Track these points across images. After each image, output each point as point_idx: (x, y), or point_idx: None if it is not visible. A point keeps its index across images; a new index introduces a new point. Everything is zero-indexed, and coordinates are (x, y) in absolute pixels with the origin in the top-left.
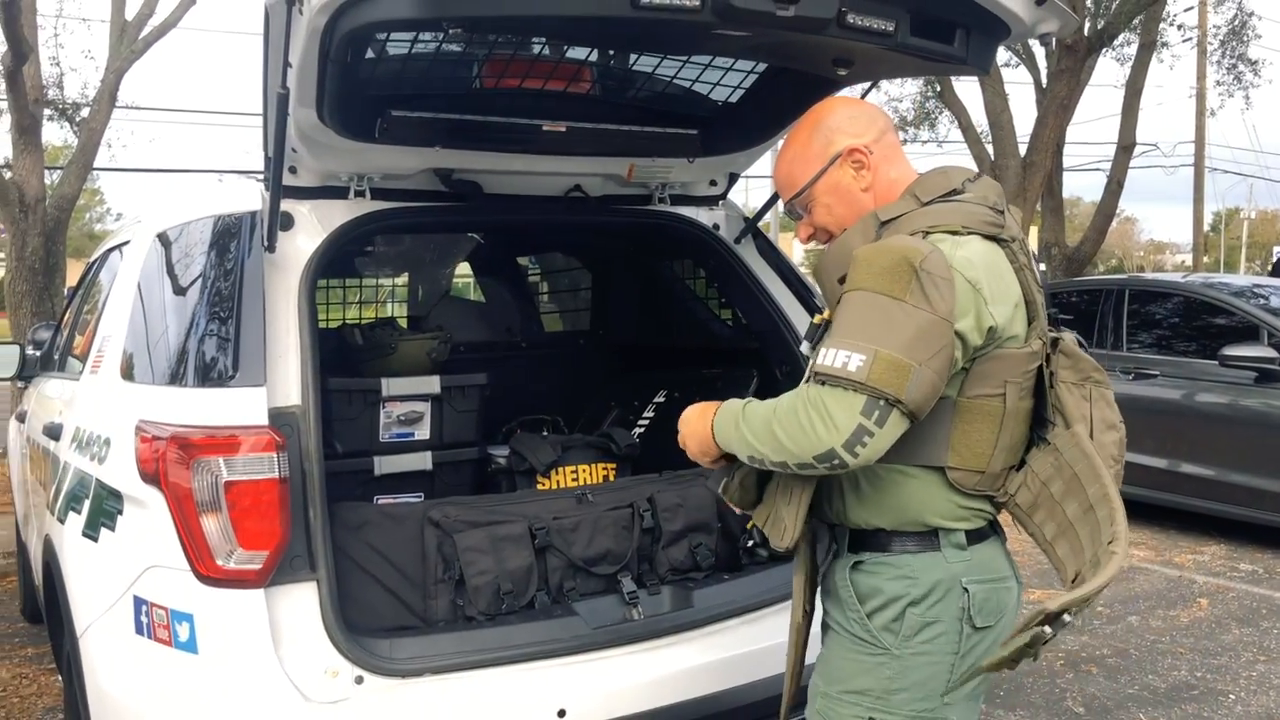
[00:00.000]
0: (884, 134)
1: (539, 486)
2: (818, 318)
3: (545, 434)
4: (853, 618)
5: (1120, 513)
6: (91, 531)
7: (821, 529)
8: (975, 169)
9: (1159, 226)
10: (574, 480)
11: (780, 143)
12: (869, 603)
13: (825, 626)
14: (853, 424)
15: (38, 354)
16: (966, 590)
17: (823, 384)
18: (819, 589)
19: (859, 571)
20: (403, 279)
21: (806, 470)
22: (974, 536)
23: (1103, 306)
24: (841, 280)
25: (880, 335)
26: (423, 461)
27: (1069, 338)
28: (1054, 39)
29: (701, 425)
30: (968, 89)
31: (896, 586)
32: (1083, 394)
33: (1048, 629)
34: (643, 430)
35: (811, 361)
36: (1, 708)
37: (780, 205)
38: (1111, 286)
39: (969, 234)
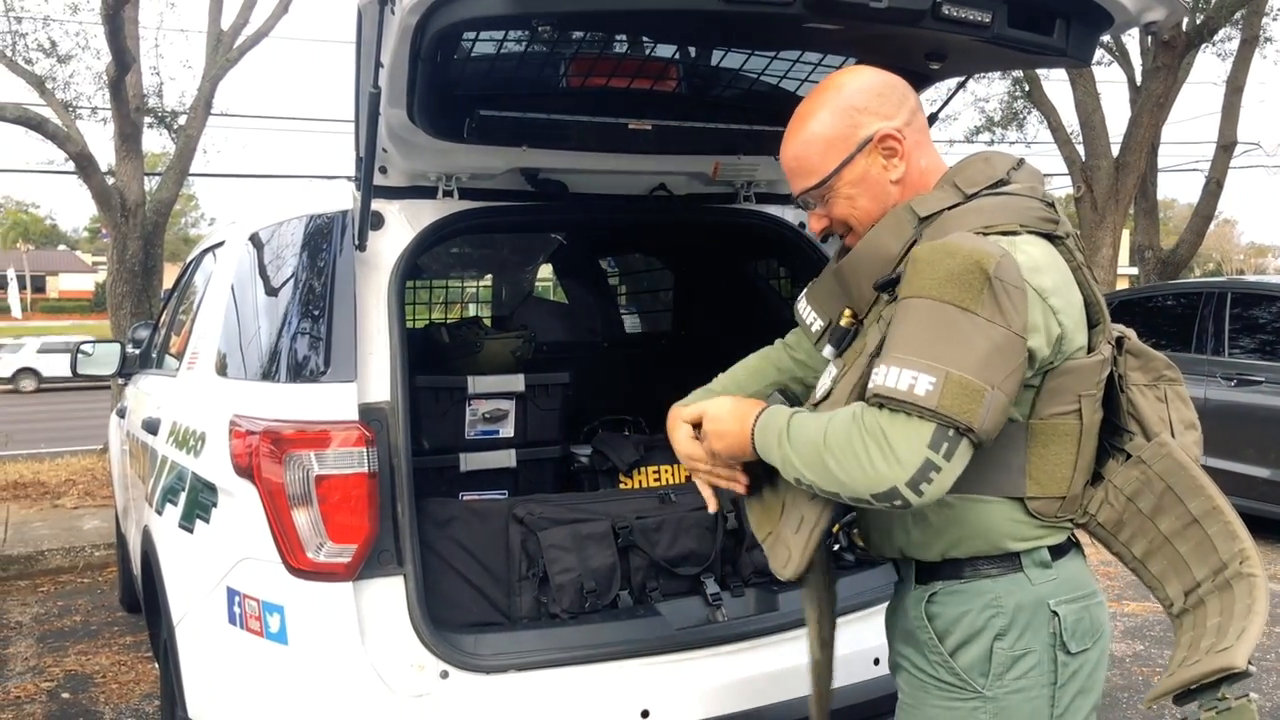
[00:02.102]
0: (914, 114)
1: (621, 486)
2: (845, 318)
3: (627, 434)
4: (935, 660)
5: (1241, 525)
6: (187, 523)
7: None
8: (1018, 157)
9: (1260, 229)
10: (656, 480)
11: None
12: (949, 640)
13: (898, 668)
14: (918, 458)
15: (137, 352)
16: (1056, 614)
17: (881, 407)
18: (890, 626)
19: (934, 604)
20: (487, 280)
21: (861, 504)
22: (1057, 551)
23: (1202, 310)
24: (878, 286)
25: (950, 353)
26: (507, 459)
27: (1132, 335)
28: (1154, 33)
29: (739, 428)
30: (1057, 88)
31: (979, 618)
32: (1157, 395)
33: (1253, 695)
34: None
35: (839, 377)
36: (102, 693)
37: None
38: (1212, 290)
39: (1026, 233)
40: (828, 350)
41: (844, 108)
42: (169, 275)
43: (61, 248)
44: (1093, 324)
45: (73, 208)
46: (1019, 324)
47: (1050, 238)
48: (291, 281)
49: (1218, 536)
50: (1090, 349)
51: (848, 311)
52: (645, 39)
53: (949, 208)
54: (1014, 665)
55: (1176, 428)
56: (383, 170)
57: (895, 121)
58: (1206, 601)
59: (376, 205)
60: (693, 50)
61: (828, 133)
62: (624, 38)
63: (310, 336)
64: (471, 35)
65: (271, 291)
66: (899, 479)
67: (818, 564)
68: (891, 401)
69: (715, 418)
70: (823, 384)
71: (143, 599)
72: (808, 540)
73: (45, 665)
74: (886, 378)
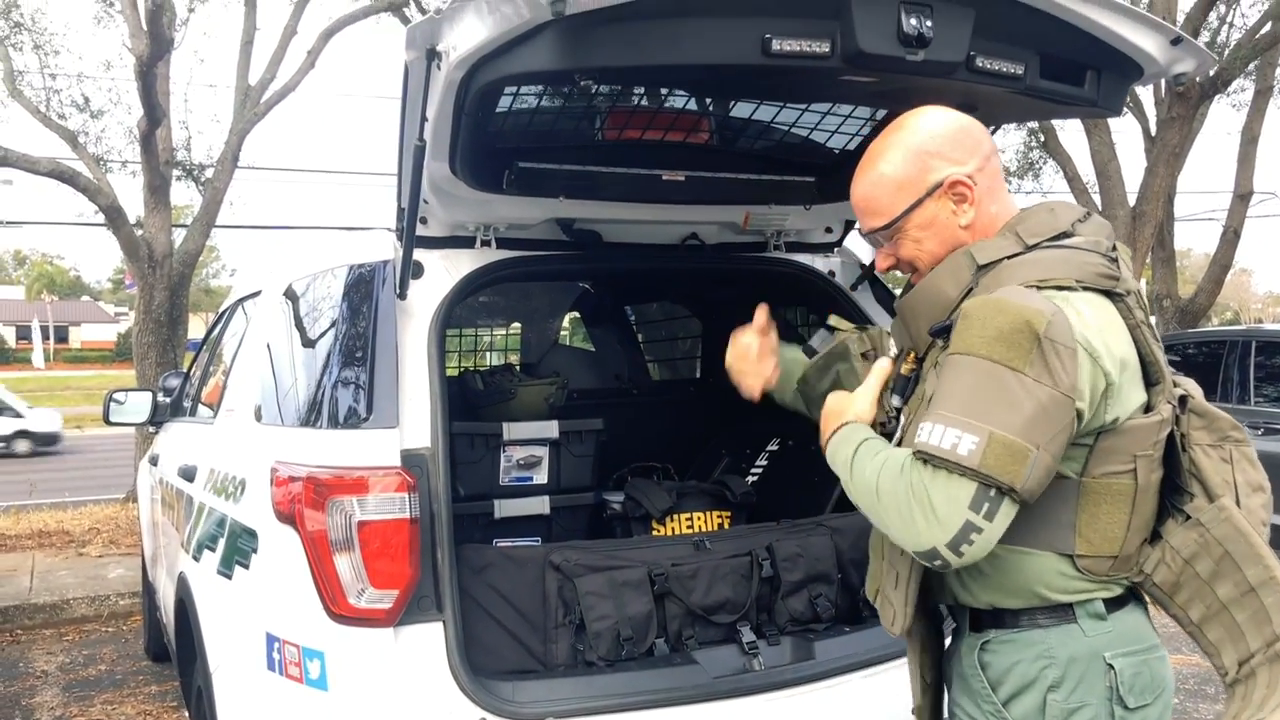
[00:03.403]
0: (988, 160)
1: (654, 533)
2: (905, 365)
3: (656, 480)
4: (988, 710)
5: None
6: (226, 569)
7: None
8: (1086, 209)
9: (1277, 278)
10: (689, 527)
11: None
12: (1002, 689)
13: (954, 717)
14: (958, 519)
15: (168, 400)
16: (1111, 667)
17: (925, 463)
18: (947, 674)
19: (987, 652)
20: (515, 328)
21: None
22: (1113, 604)
23: (1226, 359)
24: (933, 332)
25: (995, 413)
26: (541, 505)
27: (1197, 393)
28: (1182, 84)
29: (825, 429)
30: (1073, 138)
31: (1031, 669)
32: (1222, 455)
33: None
34: (756, 478)
35: (906, 426)
36: None
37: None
38: (1235, 338)
39: (1083, 289)
40: (895, 400)
41: (916, 151)
42: (193, 326)
43: (85, 298)
44: (1152, 383)
45: (96, 259)
46: (1067, 384)
47: (1110, 294)
48: (332, 330)
49: (1273, 607)
50: (1149, 408)
51: (911, 356)
52: (682, 92)
53: (1008, 257)
54: (1069, 718)
55: (1242, 490)
56: (423, 221)
57: (967, 167)
58: (1258, 673)
59: (417, 255)
60: (726, 103)
61: (898, 175)
62: (661, 91)
63: (352, 384)
64: (512, 90)
65: (312, 339)
66: (939, 540)
67: (919, 619)
68: (935, 459)
69: (825, 410)
70: (896, 436)
71: (175, 646)
72: (906, 594)
73: (71, 715)
74: (931, 435)
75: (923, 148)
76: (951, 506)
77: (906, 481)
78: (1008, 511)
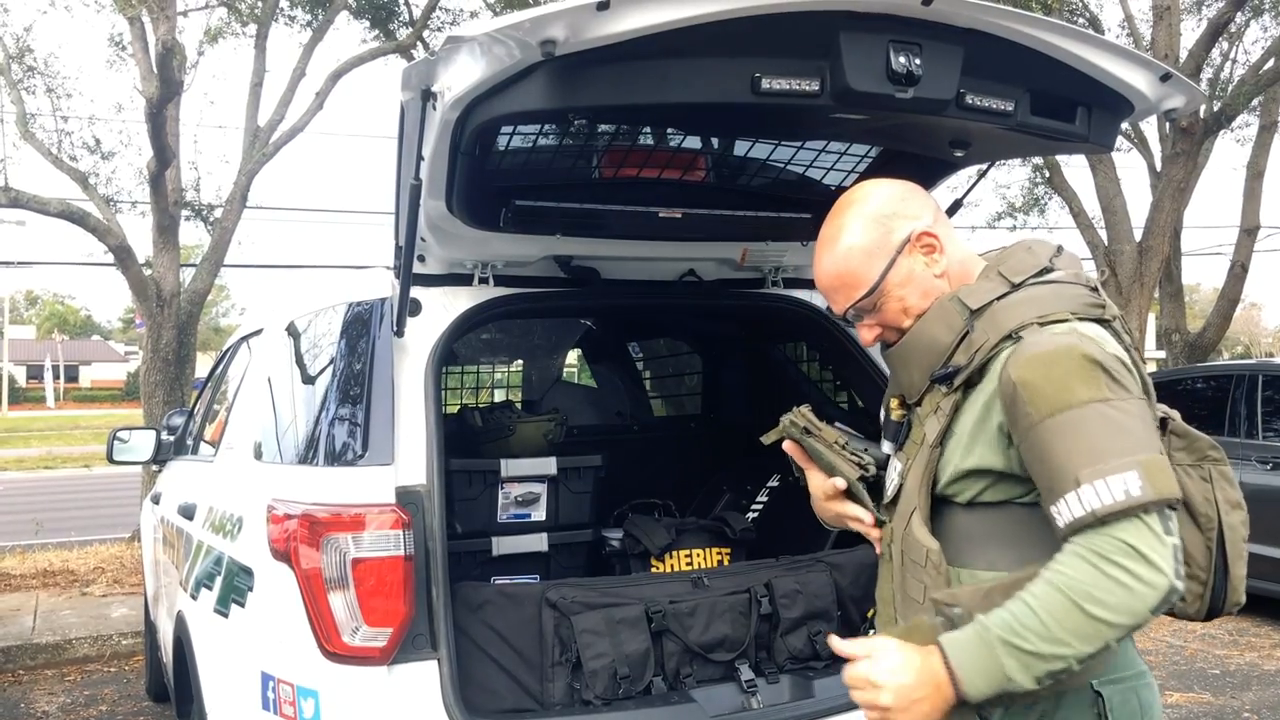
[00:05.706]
0: (938, 213)
1: (653, 569)
2: (896, 411)
3: (657, 517)
4: None
5: None
6: (223, 608)
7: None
8: (1058, 244)
9: None
10: (688, 564)
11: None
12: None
13: None
14: (1169, 548)
15: (171, 439)
16: (1099, 694)
17: (1104, 524)
18: None
19: None
20: (516, 365)
21: (1135, 632)
22: None
23: (1234, 394)
24: (936, 379)
25: (1125, 443)
26: (539, 543)
27: (1175, 415)
28: (1174, 119)
29: (926, 676)
30: (1078, 174)
31: (1021, 699)
32: (1201, 475)
33: None
34: (756, 515)
35: (907, 470)
36: None
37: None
38: (1243, 372)
39: (1077, 320)
40: (886, 446)
41: (873, 217)
42: (201, 365)
43: (95, 338)
44: None
45: (107, 299)
46: (1137, 390)
47: (1099, 321)
48: (330, 367)
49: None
50: None
51: (895, 402)
52: (676, 130)
53: (998, 298)
54: None
55: (1222, 507)
56: (421, 259)
57: (925, 221)
58: None
59: (414, 292)
60: (721, 141)
61: (865, 242)
62: (655, 129)
63: (348, 421)
64: (508, 129)
65: (310, 377)
66: (1170, 575)
67: None
68: (1115, 515)
69: (875, 678)
70: (891, 481)
71: (173, 685)
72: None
73: None
74: (1099, 495)
75: (879, 212)
76: (1158, 543)
77: (1103, 559)
78: (1176, 522)
